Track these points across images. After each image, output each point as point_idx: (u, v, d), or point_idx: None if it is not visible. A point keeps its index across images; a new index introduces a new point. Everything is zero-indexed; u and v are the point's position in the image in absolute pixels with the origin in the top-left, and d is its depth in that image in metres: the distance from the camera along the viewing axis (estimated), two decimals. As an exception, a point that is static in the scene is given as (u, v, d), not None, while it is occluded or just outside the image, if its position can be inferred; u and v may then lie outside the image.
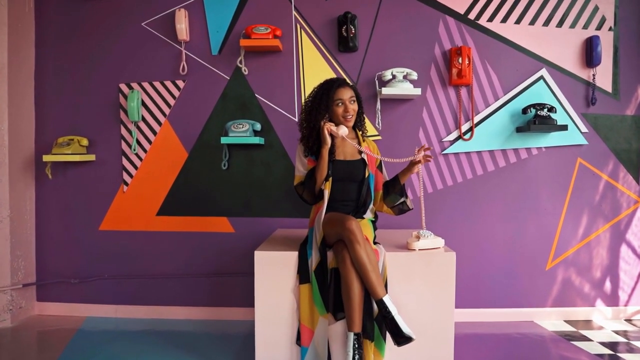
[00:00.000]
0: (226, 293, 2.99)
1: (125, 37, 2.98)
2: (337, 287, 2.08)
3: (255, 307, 2.17)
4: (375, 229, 2.33)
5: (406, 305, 2.10)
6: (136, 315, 3.00)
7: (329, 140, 2.18)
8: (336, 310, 2.08)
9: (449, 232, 2.85)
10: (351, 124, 2.26)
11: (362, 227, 2.09)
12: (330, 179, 2.22)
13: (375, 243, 2.24)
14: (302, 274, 2.16)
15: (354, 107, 2.24)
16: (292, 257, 2.17)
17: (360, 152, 2.30)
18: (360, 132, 2.37)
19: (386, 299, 1.97)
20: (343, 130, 2.19)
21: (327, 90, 2.21)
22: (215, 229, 2.99)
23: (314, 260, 2.15)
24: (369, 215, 2.33)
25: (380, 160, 2.36)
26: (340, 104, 2.21)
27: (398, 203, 2.31)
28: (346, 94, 2.22)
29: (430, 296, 2.15)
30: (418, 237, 2.22)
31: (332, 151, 2.23)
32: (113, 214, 3.02)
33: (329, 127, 2.17)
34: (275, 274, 2.17)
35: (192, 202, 2.99)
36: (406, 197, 2.32)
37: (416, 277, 2.15)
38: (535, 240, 2.96)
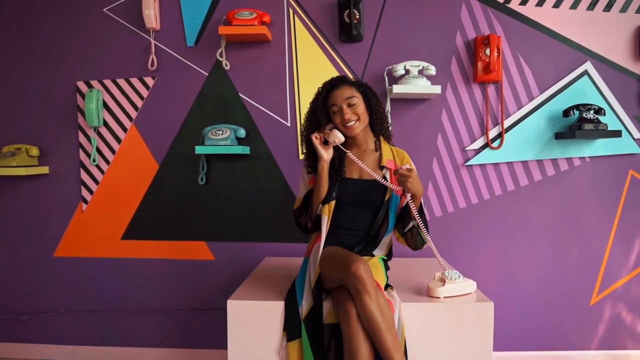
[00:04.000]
0: (204, 332, 2.57)
1: (84, 26, 2.54)
2: (337, 348, 1.58)
3: (229, 373, 1.69)
4: (387, 269, 1.83)
5: (429, 372, 1.61)
6: (98, 357, 2.59)
7: (323, 153, 1.74)
8: (337, 376, 1.58)
9: (473, 259, 2.48)
10: (357, 132, 1.77)
11: (371, 269, 1.60)
12: (333, 202, 1.75)
13: (387, 287, 1.74)
14: (290, 330, 1.66)
15: (355, 109, 1.76)
16: (277, 308, 1.67)
17: (381, 169, 1.83)
18: (385, 140, 1.90)
19: (405, 368, 1.48)
20: (334, 137, 1.74)
21: (319, 96, 1.79)
22: (191, 256, 2.56)
23: (304, 305, 1.66)
24: (379, 252, 1.83)
25: None
26: (335, 109, 1.77)
27: (406, 231, 1.82)
28: (340, 96, 1.75)
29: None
30: (443, 281, 1.72)
31: (337, 167, 1.78)
32: (70, 238, 2.60)
33: (316, 135, 1.75)
34: (254, 330, 1.68)
35: (163, 223, 2.56)
36: (416, 226, 1.78)
37: (442, 334, 1.66)
38: (578, 270, 2.51)
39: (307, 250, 1.90)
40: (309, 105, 1.86)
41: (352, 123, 1.75)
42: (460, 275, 1.74)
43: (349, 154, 1.77)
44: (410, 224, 1.78)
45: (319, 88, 1.84)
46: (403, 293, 1.76)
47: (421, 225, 1.72)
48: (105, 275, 2.59)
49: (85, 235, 2.59)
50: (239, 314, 1.67)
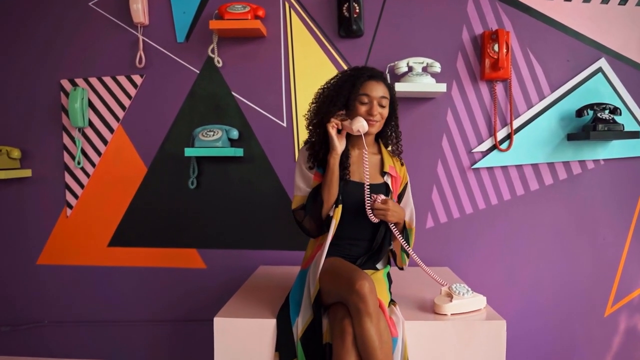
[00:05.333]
0: (195, 344, 2.45)
1: (68, 20, 2.43)
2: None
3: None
4: (390, 283, 1.70)
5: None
6: (83, 371, 2.49)
7: (337, 144, 1.58)
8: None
9: (480, 269, 2.36)
10: (374, 130, 1.65)
11: (376, 285, 1.46)
12: (341, 206, 1.60)
13: (390, 303, 1.60)
14: (284, 350, 1.52)
15: (383, 111, 1.64)
16: (269, 326, 1.54)
17: (384, 175, 1.69)
18: (389, 149, 1.77)
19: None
20: (359, 125, 1.56)
21: (352, 79, 1.62)
22: (181, 264, 2.45)
23: (300, 322, 1.53)
24: (381, 264, 1.71)
25: (404, 187, 1.75)
26: (365, 100, 1.61)
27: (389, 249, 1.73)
28: (377, 91, 1.62)
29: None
30: (450, 296, 1.58)
31: (344, 166, 1.63)
32: (54, 245, 2.49)
33: (334, 122, 1.57)
34: (244, 350, 1.54)
35: (152, 229, 2.46)
36: (402, 250, 1.68)
37: (449, 355, 1.52)
38: (592, 279, 2.39)
39: (304, 262, 1.75)
40: (330, 84, 1.69)
41: (375, 122, 1.63)
42: (469, 289, 1.60)
43: (365, 151, 1.62)
44: (391, 246, 1.69)
45: (348, 69, 1.69)
46: (406, 309, 1.62)
47: (407, 247, 1.61)
48: (91, 284, 2.48)
49: (70, 242, 2.48)
50: (226, 333, 1.54)
